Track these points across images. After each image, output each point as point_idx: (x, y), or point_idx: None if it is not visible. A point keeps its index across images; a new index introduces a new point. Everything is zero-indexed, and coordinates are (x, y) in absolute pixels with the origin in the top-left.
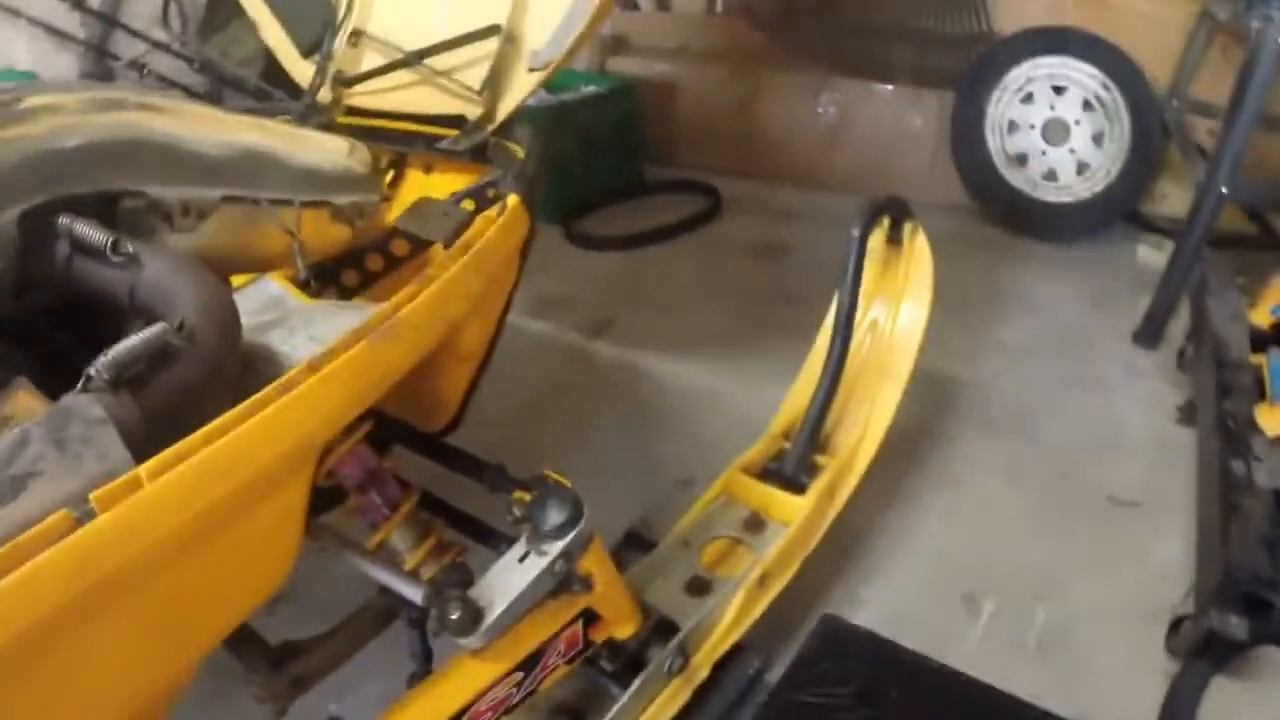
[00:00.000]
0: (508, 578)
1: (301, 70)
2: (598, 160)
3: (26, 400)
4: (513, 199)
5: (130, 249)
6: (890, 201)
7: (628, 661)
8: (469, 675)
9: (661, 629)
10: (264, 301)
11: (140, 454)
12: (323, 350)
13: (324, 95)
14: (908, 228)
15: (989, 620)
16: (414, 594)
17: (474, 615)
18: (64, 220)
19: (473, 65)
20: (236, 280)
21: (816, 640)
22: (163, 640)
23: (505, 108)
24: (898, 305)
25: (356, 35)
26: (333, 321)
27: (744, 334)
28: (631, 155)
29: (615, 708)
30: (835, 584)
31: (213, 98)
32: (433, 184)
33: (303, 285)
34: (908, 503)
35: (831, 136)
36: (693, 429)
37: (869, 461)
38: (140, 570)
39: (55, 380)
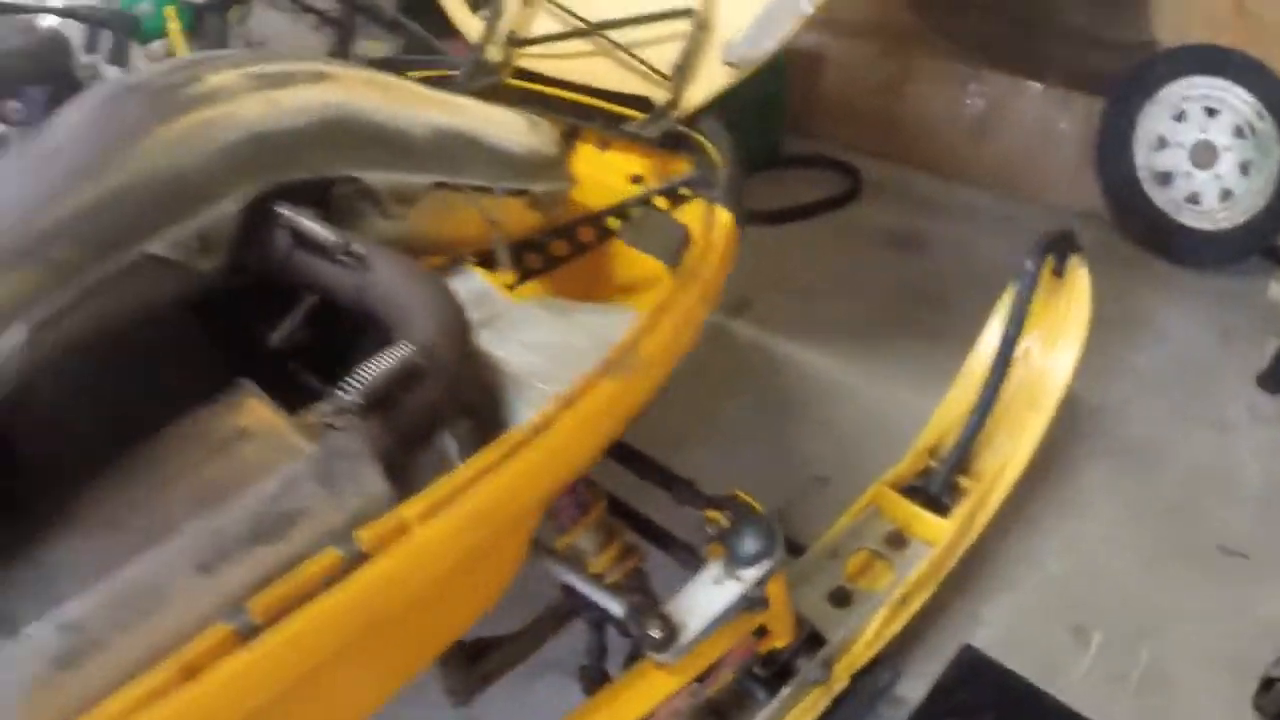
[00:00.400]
0: (703, 599)
1: (470, 24)
2: (738, 128)
3: (259, 410)
4: (725, 218)
5: (360, 250)
6: (1063, 236)
7: (778, 670)
8: (654, 686)
9: (811, 640)
10: (470, 297)
11: (392, 478)
12: (553, 372)
13: (493, 53)
14: (1073, 260)
15: (1096, 652)
16: (614, 607)
17: (671, 634)
18: (286, 212)
19: (658, 44)
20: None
21: (955, 670)
22: (399, 663)
23: (695, 97)
24: (1054, 339)
25: None
26: (542, 329)
27: (881, 330)
28: (773, 125)
29: (762, 713)
30: (958, 600)
31: (344, 25)
32: (608, 162)
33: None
34: (1031, 526)
35: (977, 129)
36: (828, 424)
37: (1009, 490)
38: (399, 608)
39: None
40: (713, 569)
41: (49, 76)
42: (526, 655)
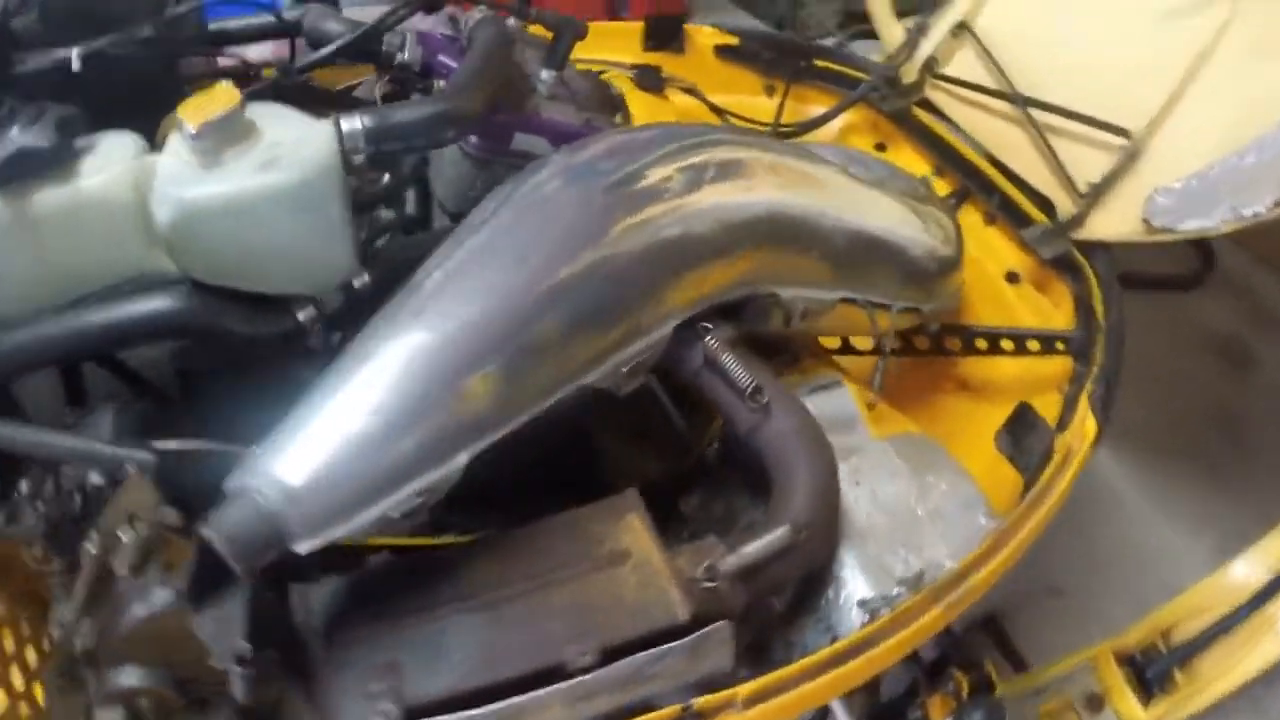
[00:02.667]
0: None
1: (890, 30)
2: None
3: (641, 537)
4: (1091, 429)
5: (765, 399)
6: None
7: None
8: None
9: None
10: (836, 418)
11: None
12: (889, 541)
13: (907, 73)
14: None
15: None
16: None
17: None
18: (711, 342)
19: (1084, 148)
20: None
21: None
22: None
23: (1100, 228)
24: None
25: (961, 28)
26: (896, 484)
27: (1175, 451)
28: None
29: None
30: None
31: None
32: (989, 242)
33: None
34: None
35: None
36: (1084, 532)
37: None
38: None
39: None
40: None
41: None
42: None
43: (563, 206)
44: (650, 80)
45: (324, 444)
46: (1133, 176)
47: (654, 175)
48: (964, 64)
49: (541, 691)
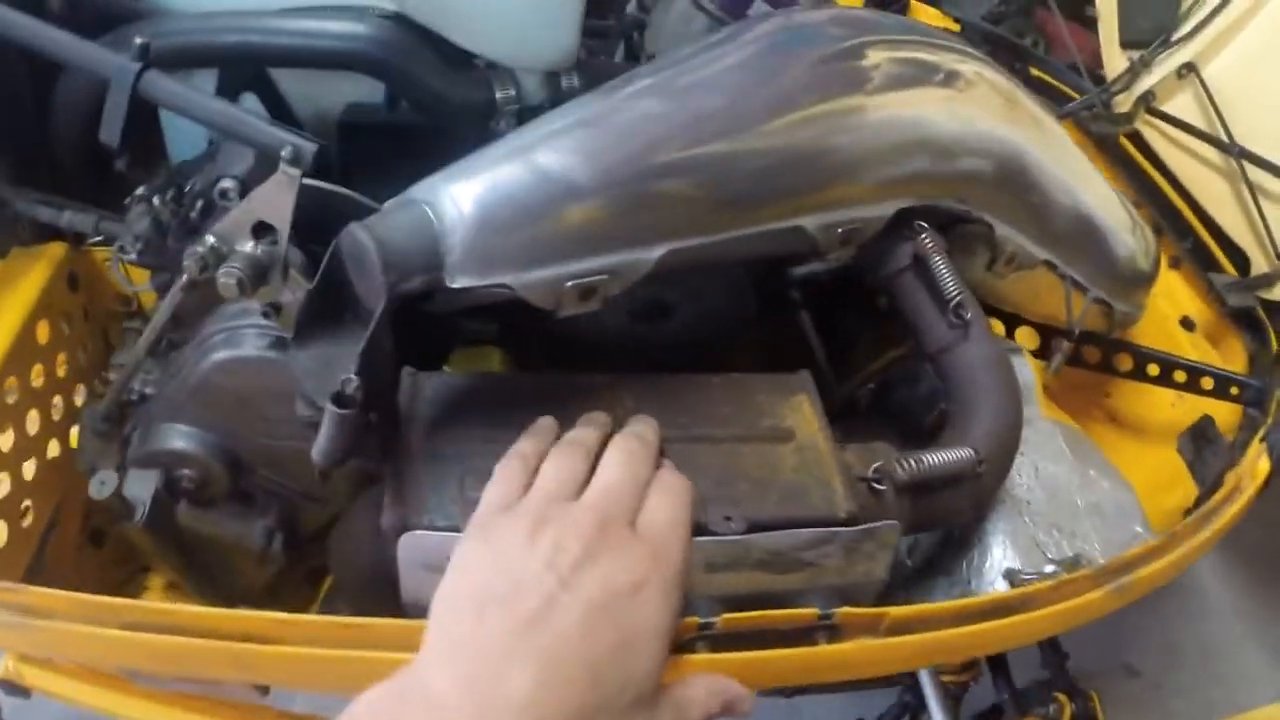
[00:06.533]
0: None
1: (1114, 56)
2: None
3: (809, 421)
4: (1264, 470)
5: (968, 316)
6: None
7: None
8: None
9: None
10: None
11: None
12: (1045, 516)
13: (1122, 102)
14: None
15: None
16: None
17: None
18: (926, 240)
19: None
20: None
21: None
22: None
23: None
24: None
25: (1188, 69)
26: (1059, 465)
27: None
28: None
29: None
30: None
31: None
32: (1169, 285)
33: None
34: None
35: None
36: (1168, 618)
37: None
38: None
39: None
40: None
41: None
42: None
43: (805, 50)
44: None
45: (516, 179)
46: None
47: (911, 54)
48: (1181, 105)
49: None
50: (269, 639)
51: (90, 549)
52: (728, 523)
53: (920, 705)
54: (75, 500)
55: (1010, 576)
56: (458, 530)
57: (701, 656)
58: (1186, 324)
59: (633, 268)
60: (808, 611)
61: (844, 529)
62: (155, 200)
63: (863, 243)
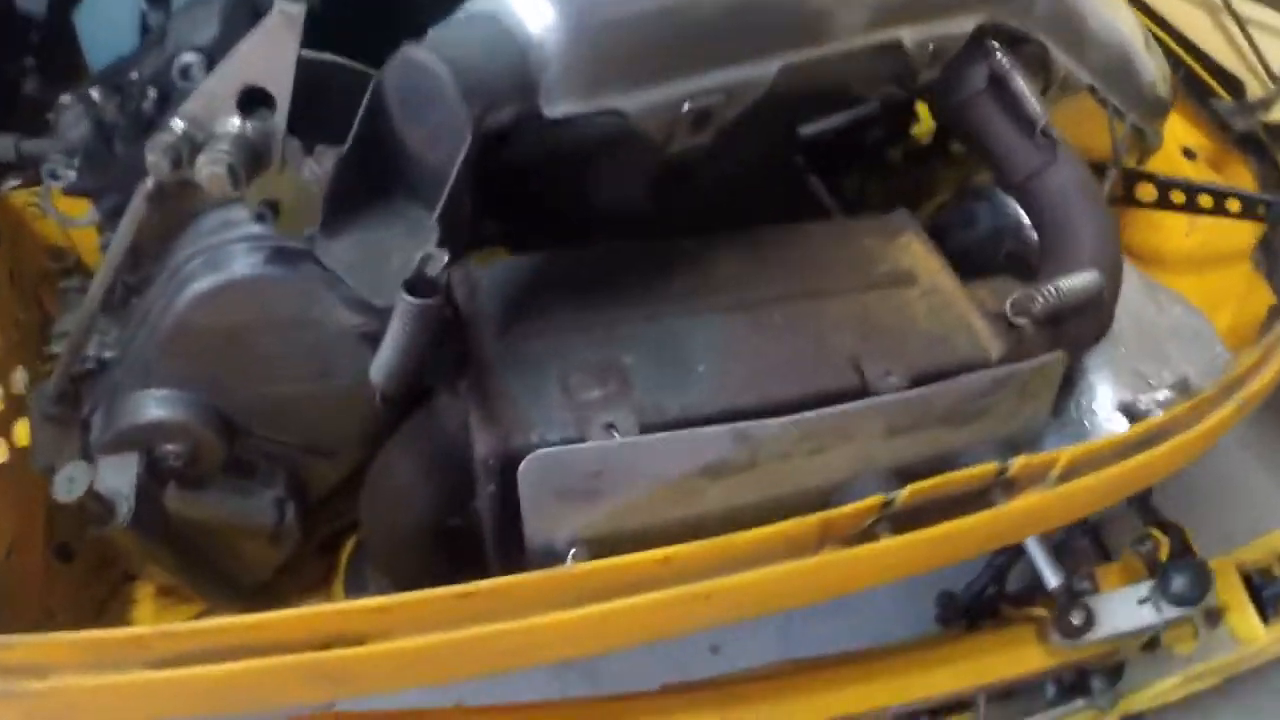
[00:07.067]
0: (1122, 611)
1: None
2: None
3: (926, 259)
4: None
5: (1055, 135)
6: None
7: (1074, 681)
8: (1026, 654)
9: (1113, 669)
10: None
11: None
12: (1133, 347)
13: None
14: None
15: None
16: (1050, 577)
17: (1084, 627)
18: (1002, 58)
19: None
20: None
21: None
22: None
23: None
24: None
25: None
26: (1135, 293)
27: None
28: None
29: (1044, 714)
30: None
31: None
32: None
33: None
34: None
35: None
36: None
37: None
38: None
39: None
40: (1143, 588)
41: None
42: None
43: None
44: None
45: None
46: None
47: None
48: None
49: (857, 405)
50: (360, 636)
51: (59, 567)
52: (889, 379)
53: (1008, 566)
54: (33, 511)
55: (1126, 409)
56: (576, 441)
57: (884, 543)
58: (1188, 154)
59: (749, 86)
60: (987, 468)
61: (1018, 367)
62: (95, 94)
63: (948, 60)
